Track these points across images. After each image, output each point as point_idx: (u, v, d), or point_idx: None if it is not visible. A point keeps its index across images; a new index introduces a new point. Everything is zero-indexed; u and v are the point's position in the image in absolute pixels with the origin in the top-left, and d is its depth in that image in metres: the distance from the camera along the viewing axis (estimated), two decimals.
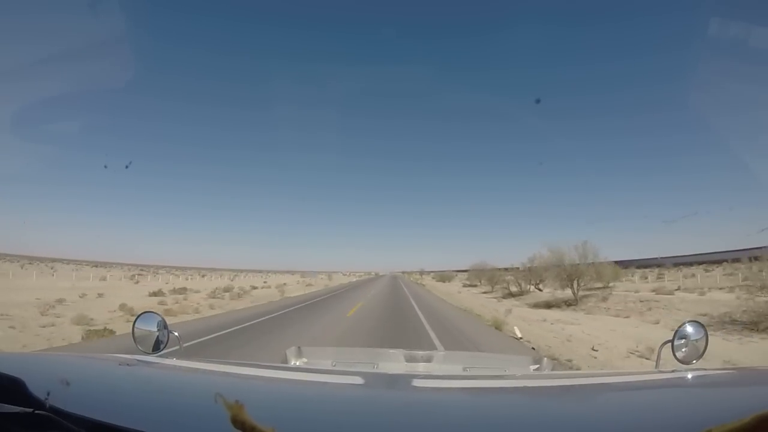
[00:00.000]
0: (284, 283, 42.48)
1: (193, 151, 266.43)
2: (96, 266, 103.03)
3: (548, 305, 21.97)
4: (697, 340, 1.55)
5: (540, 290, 29.23)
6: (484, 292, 36.91)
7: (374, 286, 42.76)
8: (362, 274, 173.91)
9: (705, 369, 1.43)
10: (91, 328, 10.25)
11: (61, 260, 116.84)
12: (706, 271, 37.53)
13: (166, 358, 1.54)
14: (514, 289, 31.36)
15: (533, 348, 9.02)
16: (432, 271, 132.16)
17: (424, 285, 51.47)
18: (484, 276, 45.20)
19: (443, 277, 69.56)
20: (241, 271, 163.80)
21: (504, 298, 29.85)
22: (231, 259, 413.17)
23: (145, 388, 1.13)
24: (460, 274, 71.88)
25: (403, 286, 43.76)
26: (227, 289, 27.13)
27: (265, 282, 49.20)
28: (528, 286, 30.13)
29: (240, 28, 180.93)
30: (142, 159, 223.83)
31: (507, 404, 1.08)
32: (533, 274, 28.96)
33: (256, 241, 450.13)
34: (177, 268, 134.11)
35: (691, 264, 46.67)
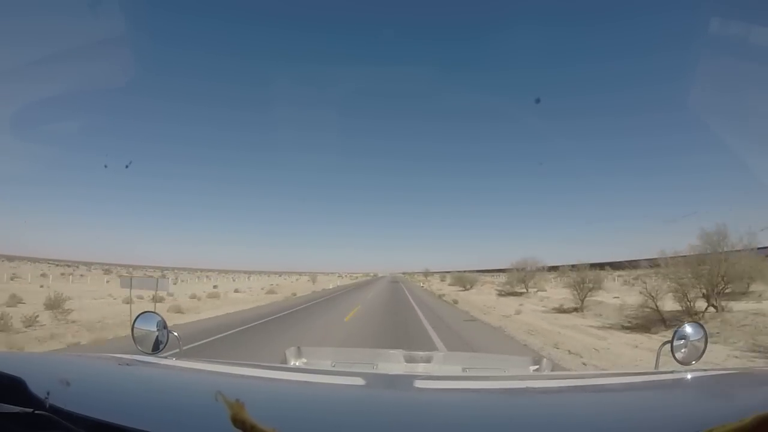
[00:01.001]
0: (235, 290, 34.48)
1: (191, 152, 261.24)
2: (65, 265, 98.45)
3: None
4: (696, 341, 1.53)
5: (716, 308, 11.95)
6: (561, 310, 19.61)
7: (364, 296, 28.88)
8: (360, 275, 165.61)
9: (704, 369, 1.43)
10: None
11: (50, 261, 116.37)
12: None
13: (166, 358, 1.56)
14: (664, 304, 13.73)
15: None
16: (438, 272, 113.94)
17: (455, 303, 24.84)
18: (531, 278, 28.46)
19: (461, 279, 46.18)
20: (232, 271, 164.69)
21: (648, 329, 12.49)
22: (229, 260, 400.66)
23: (145, 387, 1.15)
24: (474, 276, 52.68)
25: (410, 298, 25.95)
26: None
27: (214, 287, 38.88)
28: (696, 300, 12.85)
29: (240, 29, 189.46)
30: (141, 159, 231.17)
31: (507, 405, 1.08)
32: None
33: (255, 242, 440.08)
34: (158, 269, 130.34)
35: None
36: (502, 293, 32.57)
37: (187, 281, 57.74)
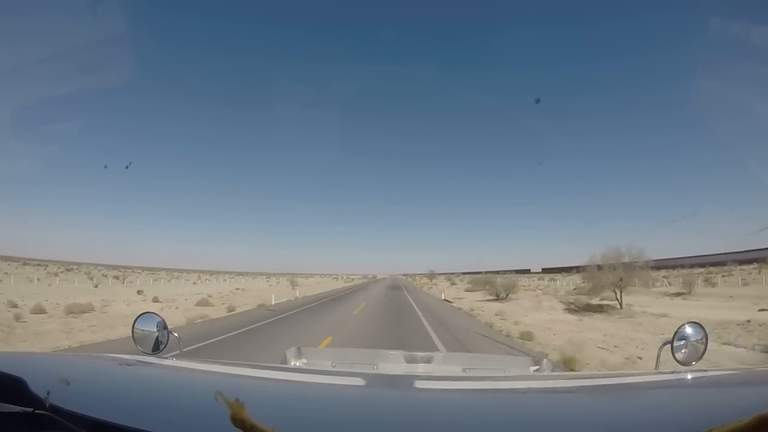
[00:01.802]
0: (154, 299, 24.62)
1: (191, 152, 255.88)
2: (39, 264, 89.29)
3: None
4: (696, 341, 1.50)
5: None
6: None
7: (342, 319, 16.14)
8: (358, 277, 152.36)
9: (705, 370, 1.43)
10: None
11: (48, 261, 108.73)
12: None
13: (166, 358, 1.54)
14: None
15: None
16: (442, 273, 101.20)
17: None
18: (629, 281, 16.21)
19: (489, 284, 30.56)
20: (226, 272, 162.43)
21: None
22: (228, 261, 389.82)
23: (146, 387, 1.15)
24: (510, 279, 37.40)
25: (432, 333, 11.15)
26: None
27: (138, 293, 31.08)
28: None
29: (240, 29, 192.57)
30: (141, 160, 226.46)
31: (507, 405, 1.07)
32: None
33: (254, 242, 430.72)
34: (154, 269, 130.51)
35: (725, 263, 40.09)
36: (572, 308, 20.21)
37: (136, 284, 45.92)
